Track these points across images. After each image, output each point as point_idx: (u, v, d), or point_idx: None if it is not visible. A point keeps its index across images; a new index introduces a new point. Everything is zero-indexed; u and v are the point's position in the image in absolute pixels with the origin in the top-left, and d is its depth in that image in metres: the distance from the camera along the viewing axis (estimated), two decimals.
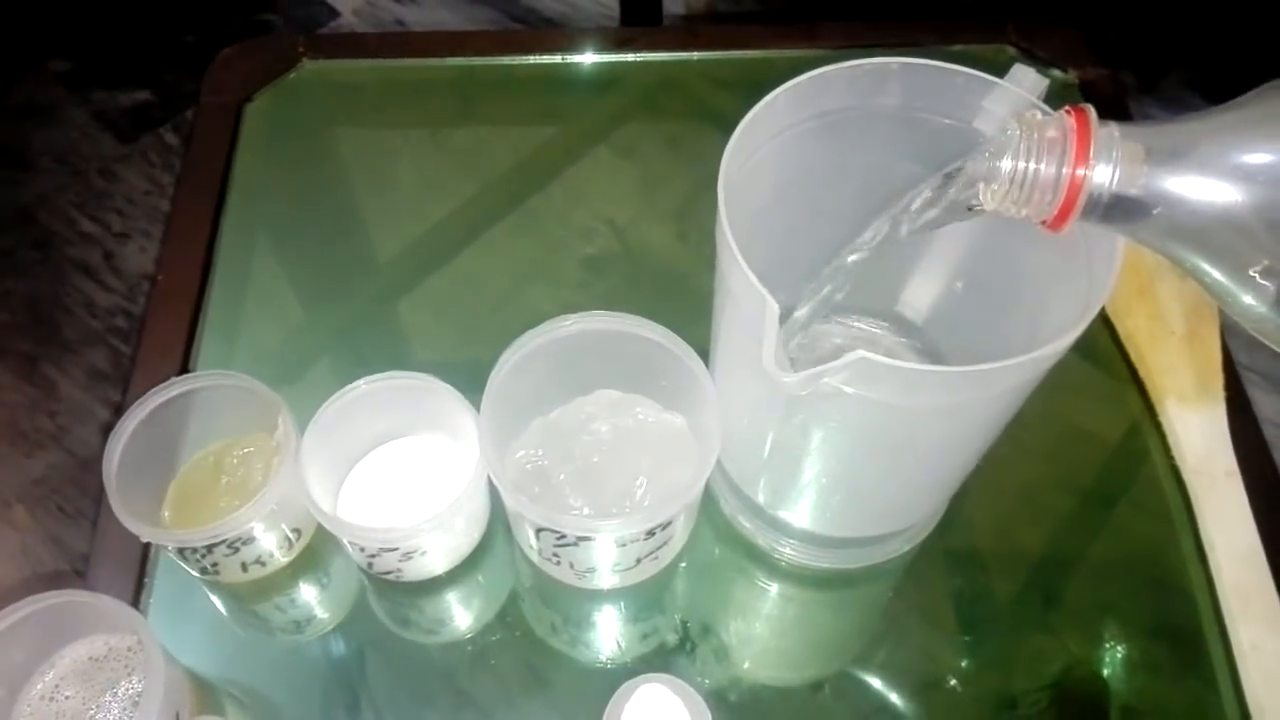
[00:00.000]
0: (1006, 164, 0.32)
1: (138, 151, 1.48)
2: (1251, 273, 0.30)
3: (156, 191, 1.44)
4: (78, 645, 0.46)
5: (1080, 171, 0.31)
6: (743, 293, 0.37)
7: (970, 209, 0.35)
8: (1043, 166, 0.32)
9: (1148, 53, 1.45)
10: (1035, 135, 0.32)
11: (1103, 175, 0.31)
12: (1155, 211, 0.31)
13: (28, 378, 1.28)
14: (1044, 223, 0.33)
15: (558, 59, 0.72)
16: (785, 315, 0.37)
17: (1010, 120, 0.33)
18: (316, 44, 0.73)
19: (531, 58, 0.72)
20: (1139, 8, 1.50)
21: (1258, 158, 0.29)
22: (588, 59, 0.72)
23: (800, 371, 0.35)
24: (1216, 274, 0.31)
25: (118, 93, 1.54)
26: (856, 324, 0.53)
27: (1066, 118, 0.32)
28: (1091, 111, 0.32)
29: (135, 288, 1.35)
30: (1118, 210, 0.31)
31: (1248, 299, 0.30)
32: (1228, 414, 0.54)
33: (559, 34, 0.73)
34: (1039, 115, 0.33)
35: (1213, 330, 0.56)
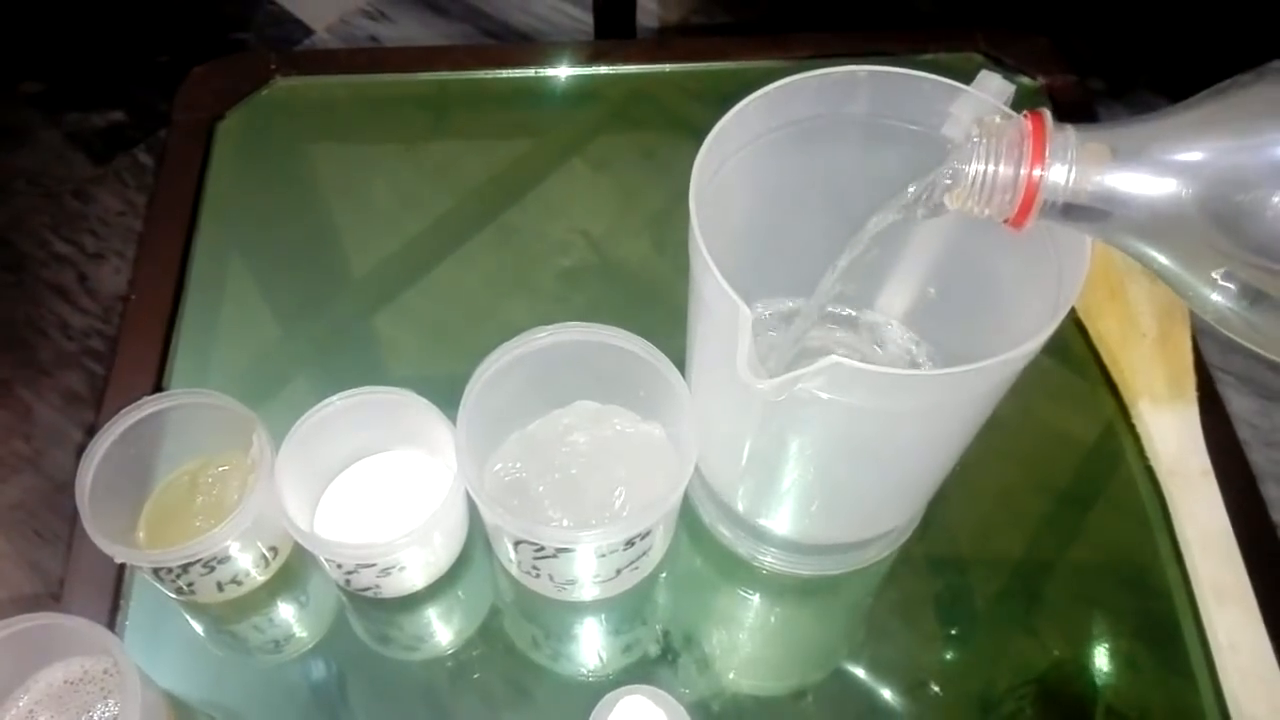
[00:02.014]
0: (969, 167, 0.34)
1: (111, 172, 1.47)
2: (1209, 269, 0.31)
3: (131, 212, 1.43)
4: (52, 669, 0.46)
5: (1037, 172, 0.32)
6: (716, 300, 0.37)
7: (939, 207, 0.36)
8: (1001, 168, 0.33)
9: (1117, 59, 1.46)
10: (995, 138, 0.33)
11: (1058, 175, 0.32)
12: (1114, 210, 0.32)
13: (1, 402, 1.26)
14: (1006, 221, 0.34)
15: (531, 73, 0.72)
16: (765, 326, 0.38)
17: (973, 125, 0.34)
18: (288, 61, 0.72)
19: (505, 72, 0.72)
20: (1108, 15, 1.52)
21: (1202, 156, 0.30)
22: (561, 72, 0.72)
23: (775, 377, 0.35)
24: (1176, 269, 0.32)
25: (91, 114, 1.53)
26: (830, 330, 0.54)
27: (1024, 121, 0.33)
28: (1047, 114, 0.33)
29: (110, 309, 1.34)
30: (1076, 209, 0.32)
31: (1206, 293, 0.31)
32: (1200, 414, 0.55)
33: (532, 48, 0.74)
34: (999, 120, 0.34)
35: (1184, 332, 0.57)
